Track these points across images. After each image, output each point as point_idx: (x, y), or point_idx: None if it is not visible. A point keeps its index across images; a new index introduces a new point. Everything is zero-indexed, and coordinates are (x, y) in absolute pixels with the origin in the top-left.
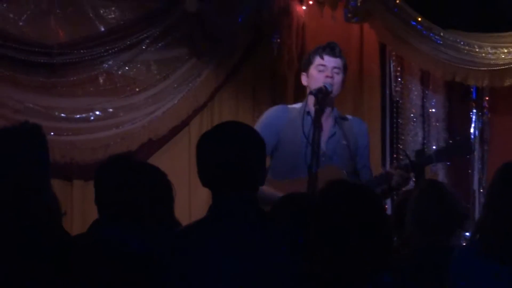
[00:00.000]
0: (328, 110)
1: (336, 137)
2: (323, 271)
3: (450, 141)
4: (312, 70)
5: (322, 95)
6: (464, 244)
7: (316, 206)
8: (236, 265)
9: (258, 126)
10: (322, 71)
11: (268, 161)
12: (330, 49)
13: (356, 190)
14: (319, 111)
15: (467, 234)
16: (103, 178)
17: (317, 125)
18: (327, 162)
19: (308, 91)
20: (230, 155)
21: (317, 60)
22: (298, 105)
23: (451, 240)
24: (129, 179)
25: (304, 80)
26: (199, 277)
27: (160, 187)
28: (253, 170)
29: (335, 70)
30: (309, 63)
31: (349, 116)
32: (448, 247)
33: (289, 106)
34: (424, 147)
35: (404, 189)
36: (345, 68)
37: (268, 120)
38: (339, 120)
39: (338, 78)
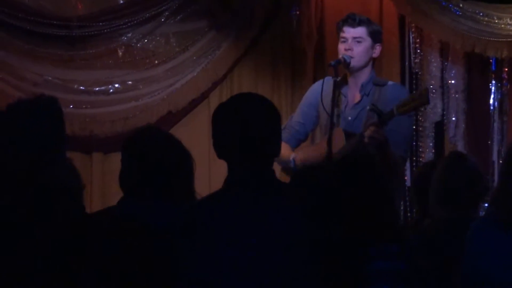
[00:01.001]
0: (358, 79)
1: (361, 104)
2: (332, 237)
3: (409, 94)
4: (339, 43)
5: (341, 66)
6: (482, 215)
7: (324, 179)
8: (250, 236)
9: (303, 99)
10: (343, 43)
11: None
12: (351, 19)
13: (354, 164)
14: (337, 83)
15: (486, 205)
16: (130, 147)
17: (335, 96)
18: (347, 127)
19: None
20: (245, 127)
21: (340, 33)
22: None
23: (475, 213)
24: (156, 150)
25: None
26: (214, 249)
27: (182, 160)
28: (268, 142)
29: (356, 40)
30: (338, 36)
31: (390, 82)
32: (470, 219)
33: (332, 78)
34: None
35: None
36: (373, 35)
37: (309, 93)
38: (373, 86)
39: (359, 48)
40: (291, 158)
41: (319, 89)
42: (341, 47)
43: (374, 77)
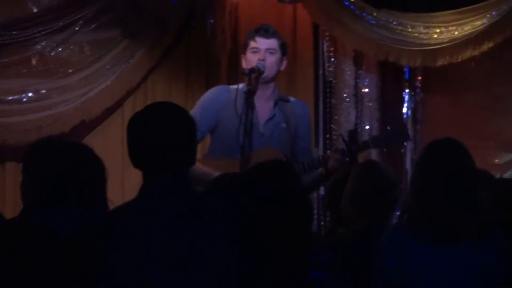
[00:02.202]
0: (267, 91)
1: (275, 119)
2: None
3: (388, 128)
4: (248, 53)
5: (255, 75)
6: (394, 223)
7: (241, 185)
8: (167, 245)
9: (197, 106)
10: (255, 53)
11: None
12: (263, 30)
13: (277, 171)
14: (251, 91)
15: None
16: (32, 159)
17: (249, 105)
18: (266, 144)
19: None
20: (159, 136)
21: (251, 43)
22: (240, 86)
23: (387, 221)
24: (59, 160)
25: (243, 63)
26: (130, 258)
27: (92, 168)
28: (182, 150)
29: (269, 51)
30: (245, 46)
31: (291, 98)
32: (382, 227)
33: (231, 86)
34: (357, 127)
35: None
36: (282, 48)
37: (207, 101)
38: (280, 102)
39: (271, 59)
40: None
41: (219, 98)
42: (253, 57)
43: (278, 92)
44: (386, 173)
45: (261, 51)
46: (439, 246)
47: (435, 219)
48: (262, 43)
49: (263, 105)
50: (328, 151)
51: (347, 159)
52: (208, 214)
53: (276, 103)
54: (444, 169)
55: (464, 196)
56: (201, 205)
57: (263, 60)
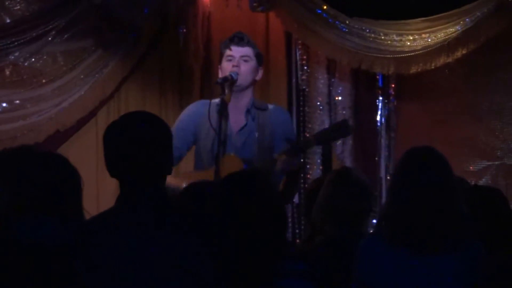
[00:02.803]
0: (242, 101)
1: (247, 128)
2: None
3: (330, 125)
4: (223, 62)
5: (227, 83)
6: (371, 231)
7: (210, 197)
8: (142, 256)
9: (176, 121)
10: (230, 61)
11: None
12: (238, 39)
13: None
14: (224, 101)
15: (374, 221)
16: (4, 169)
17: (222, 114)
18: (237, 153)
19: None
20: (134, 146)
21: (227, 51)
22: (216, 100)
23: (361, 229)
24: (30, 170)
25: (219, 73)
26: (105, 268)
27: (66, 178)
28: (159, 160)
29: (243, 59)
30: (221, 56)
31: (270, 105)
32: (358, 235)
33: (212, 100)
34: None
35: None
36: (257, 58)
37: (183, 117)
38: (255, 110)
39: (246, 67)
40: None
41: (196, 112)
42: (227, 65)
43: (255, 100)
44: (360, 181)
45: (235, 59)
46: (418, 255)
47: (415, 229)
48: (236, 50)
49: (237, 115)
50: (274, 154)
51: (293, 159)
52: (183, 226)
53: (248, 112)
54: (424, 178)
55: (444, 206)
56: (177, 216)
57: (237, 66)
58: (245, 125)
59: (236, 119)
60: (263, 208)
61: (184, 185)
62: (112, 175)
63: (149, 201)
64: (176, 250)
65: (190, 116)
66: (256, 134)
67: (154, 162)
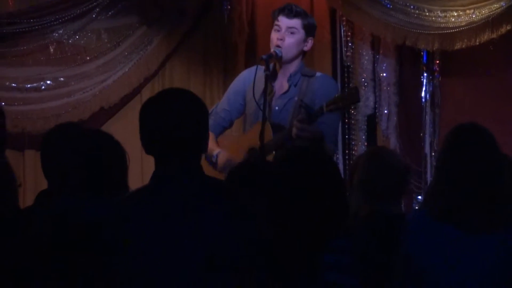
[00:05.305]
0: (289, 69)
1: (289, 93)
2: (276, 237)
3: (339, 92)
4: (272, 30)
5: (272, 59)
6: (417, 208)
7: (266, 175)
8: (176, 232)
9: (230, 85)
10: (277, 31)
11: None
12: (288, 10)
13: (305, 157)
14: (268, 77)
15: (419, 198)
16: (50, 146)
17: (266, 89)
18: (271, 117)
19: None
20: (171, 122)
21: (275, 21)
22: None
23: (398, 207)
24: (78, 147)
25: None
26: (140, 244)
27: (113, 155)
28: (194, 137)
29: (290, 31)
30: (272, 24)
31: (318, 73)
32: (396, 213)
33: (264, 71)
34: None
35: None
36: (307, 28)
37: (238, 81)
38: (301, 77)
39: (291, 39)
40: (214, 154)
41: (248, 78)
42: (274, 36)
43: (303, 68)
44: (393, 159)
45: (281, 30)
46: (464, 232)
47: (462, 207)
48: (283, 22)
49: (282, 81)
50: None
51: (308, 126)
52: (219, 204)
53: (291, 78)
54: (471, 154)
55: (491, 184)
56: (213, 193)
57: (282, 40)
58: (287, 91)
59: (281, 84)
60: (333, 185)
61: (219, 153)
62: (148, 151)
63: (184, 179)
64: (209, 228)
65: (241, 81)
66: (296, 99)
67: (189, 139)
